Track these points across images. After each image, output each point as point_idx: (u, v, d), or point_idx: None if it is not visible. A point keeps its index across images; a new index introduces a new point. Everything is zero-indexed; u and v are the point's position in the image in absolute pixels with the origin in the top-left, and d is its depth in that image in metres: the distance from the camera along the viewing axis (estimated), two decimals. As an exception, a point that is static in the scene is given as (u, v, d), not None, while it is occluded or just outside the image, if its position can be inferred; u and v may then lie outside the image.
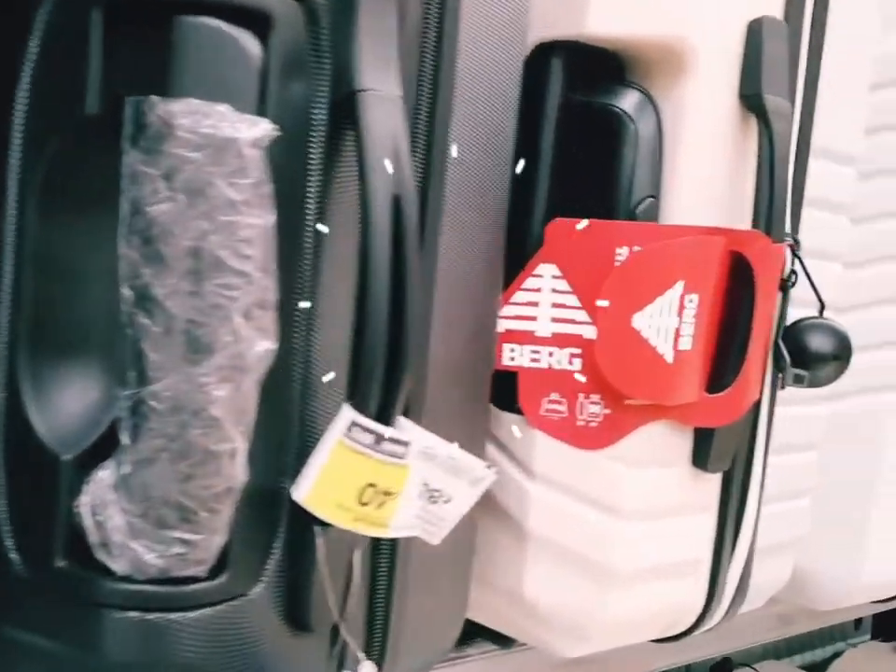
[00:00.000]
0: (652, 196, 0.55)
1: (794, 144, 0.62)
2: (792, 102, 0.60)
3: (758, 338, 0.57)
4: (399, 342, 0.39)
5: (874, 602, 0.82)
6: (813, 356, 0.60)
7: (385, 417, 0.39)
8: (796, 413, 0.67)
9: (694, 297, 0.54)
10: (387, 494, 0.39)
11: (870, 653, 1.36)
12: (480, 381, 0.51)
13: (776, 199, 0.56)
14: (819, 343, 0.60)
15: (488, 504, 0.57)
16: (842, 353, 0.60)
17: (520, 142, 0.56)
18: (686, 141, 0.56)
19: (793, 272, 0.61)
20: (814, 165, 0.64)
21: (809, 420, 0.68)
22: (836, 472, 0.74)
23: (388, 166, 0.38)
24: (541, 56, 0.56)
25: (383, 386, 0.39)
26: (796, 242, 0.61)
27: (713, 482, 0.60)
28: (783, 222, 0.57)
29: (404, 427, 0.41)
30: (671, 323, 0.53)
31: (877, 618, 1.43)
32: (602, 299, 0.53)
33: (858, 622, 1.46)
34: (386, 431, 0.39)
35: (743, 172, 0.57)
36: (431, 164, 0.44)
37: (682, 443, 0.58)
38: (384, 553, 0.45)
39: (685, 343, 0.54)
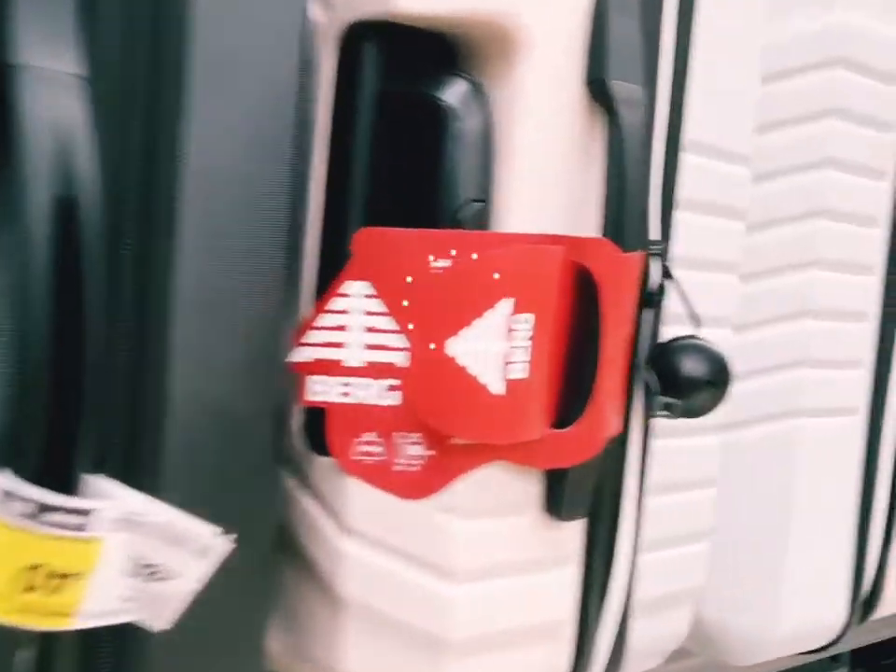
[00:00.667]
0: (481, 200, 0.47)
1: (664, 139, 0.54)
2: (653, 90, 0.53)
3: (610, 363, 0.48)
4: (73, 385, 0.31)
5: (801, 654, 0.74)
6: (685, 381, 0.52)
7: (61, 480, 0.31)
8: (683, 446, 0.59)
9: (529, 317, 0.45)
10: (65, 576, 0.31)
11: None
12: (257, 423, 0.43)
13: (627, 201, 0.48)
14: (691, 366, 0.52)
15: (301, 564, 0.49)
16: (717, 378, 0.52)
17: (332, 140, 0.49)
18: (521, 136, 0.47)
19: (662, 284, 0.53)
20: (693, 164, 0.56)
21: (700, 453, 0.60)
22: (743, 511, 0.66)
23: (48, 159, 0.30)
24: (354, 39, 0.49)
25: (54, 442, 0.31)
26: (663, 250, 0.53)
27: (573, 530, 0.52)
28: (640, 227, 0.49)
29: (99, 491, 0.32)
30: (497, 348, 0.45)
31: (854, 652, 1.34)
32: (412, 321, 0.45)
33: (835, 655, 1.38)
34: (54, 498, 0.31)
35: (589, 171, 0.49)
36: (157, 169, 0.36)
37: (529, 488, 0.49)
38: (104, 641, 0.37)
39: (518, 372, 0.46)
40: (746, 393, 0.66)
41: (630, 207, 0.48)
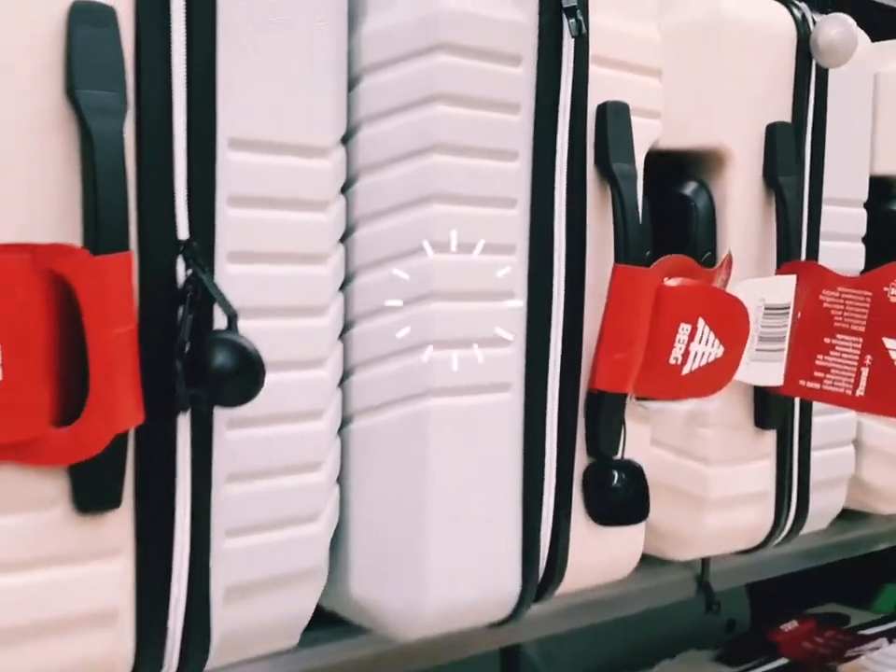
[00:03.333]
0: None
1: (186, 140, 0.55)
2: (167, 93, 0.54)
3: (105, 361, 0.50)
4: None
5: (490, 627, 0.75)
6: (212, 374, 0.53)
7: None
8: (271, 434, 0.60)
9: (-18, 325, 0.48)
10: None
11: (687, 663, 1.28)
12: None
13: (100, 206, 0.49)
14: (220, 359, 0.53)
15: None
16: (245, 368, 0.53)
17: None
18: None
19: (192, 281, 0.54)
20: (240, 161, 0.57)
21: (298, 439, 0.62)
22: (384, 493, 0.68)
23: None
24: None
25: None
26: (189, 245, 0.54)
27: (117, 521, 0.54)
28: (119, 230, 0.51)
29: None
30: (-42, 357, 0.47)
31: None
32: None
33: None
34: None
35: (62, 175, 0.51)
36: None
37: (52, 485, 0.52)
38: None
39: (-13, 377, 0.48)
40: (373, 379, 0.67)
41: (104, 213, 0.50)
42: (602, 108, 0.72)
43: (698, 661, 1.28)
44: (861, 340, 0.81)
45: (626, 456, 0.76)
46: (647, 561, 0.93)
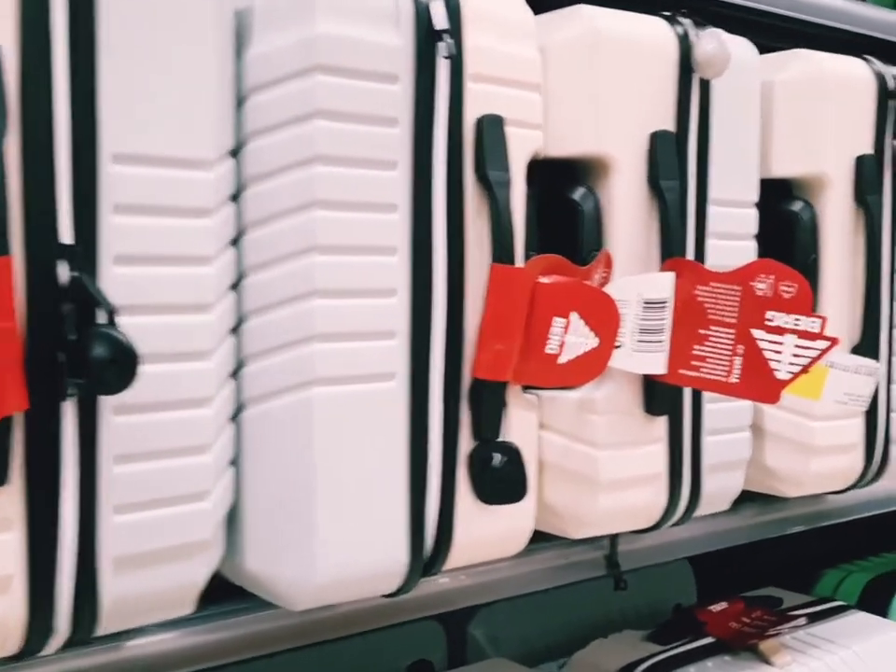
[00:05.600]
0: None
1: (70, 156, 0.62)
2: (48, 114, 0.61)
3: (-12, 354, 0.57)
4: None
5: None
6: (91, 363, 0.60)
7: None
8: (160, 420, 0.67)
9: None
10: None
11: (619, 642, 1.34)
12: None
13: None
14: (97, 351, 0.60)
15: None
16: (120, 357, 0.60)
17: None
18: None
19: (74, 281, 0.61)
20: (121, 173, 0.64)
21: (184, 425, 0.68)
22: (275, 473, 0.74)
23: None
24: None
25: None
26: (71, 249, 0.61)
27: (6, 498, 0.61)
28: None
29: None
30: None
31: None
32: None
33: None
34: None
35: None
36: None
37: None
38: None
39: None
40: (264, 370, 0.74)
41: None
42: (479, 121, 0.79)
43: (630, 639, 1.34)
44: (733, 331, 0.87)
45: (515, 441, 0.82)
46: (559, 542, 1.00)
